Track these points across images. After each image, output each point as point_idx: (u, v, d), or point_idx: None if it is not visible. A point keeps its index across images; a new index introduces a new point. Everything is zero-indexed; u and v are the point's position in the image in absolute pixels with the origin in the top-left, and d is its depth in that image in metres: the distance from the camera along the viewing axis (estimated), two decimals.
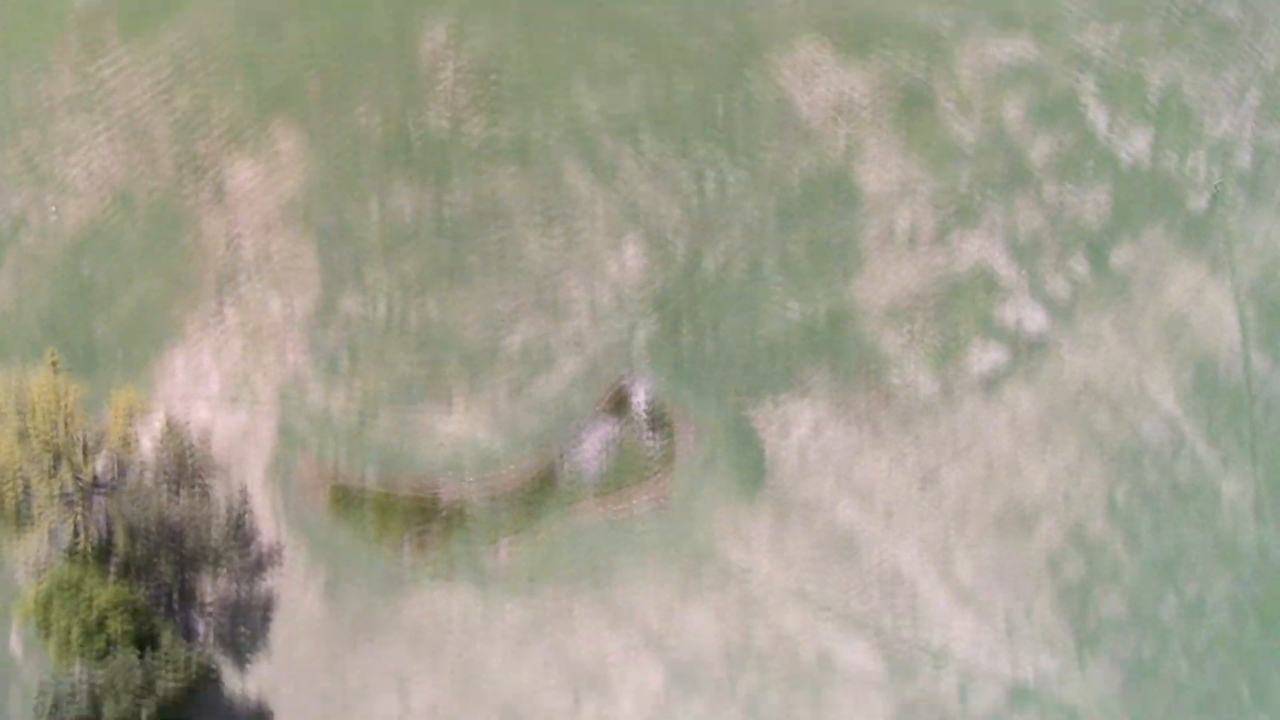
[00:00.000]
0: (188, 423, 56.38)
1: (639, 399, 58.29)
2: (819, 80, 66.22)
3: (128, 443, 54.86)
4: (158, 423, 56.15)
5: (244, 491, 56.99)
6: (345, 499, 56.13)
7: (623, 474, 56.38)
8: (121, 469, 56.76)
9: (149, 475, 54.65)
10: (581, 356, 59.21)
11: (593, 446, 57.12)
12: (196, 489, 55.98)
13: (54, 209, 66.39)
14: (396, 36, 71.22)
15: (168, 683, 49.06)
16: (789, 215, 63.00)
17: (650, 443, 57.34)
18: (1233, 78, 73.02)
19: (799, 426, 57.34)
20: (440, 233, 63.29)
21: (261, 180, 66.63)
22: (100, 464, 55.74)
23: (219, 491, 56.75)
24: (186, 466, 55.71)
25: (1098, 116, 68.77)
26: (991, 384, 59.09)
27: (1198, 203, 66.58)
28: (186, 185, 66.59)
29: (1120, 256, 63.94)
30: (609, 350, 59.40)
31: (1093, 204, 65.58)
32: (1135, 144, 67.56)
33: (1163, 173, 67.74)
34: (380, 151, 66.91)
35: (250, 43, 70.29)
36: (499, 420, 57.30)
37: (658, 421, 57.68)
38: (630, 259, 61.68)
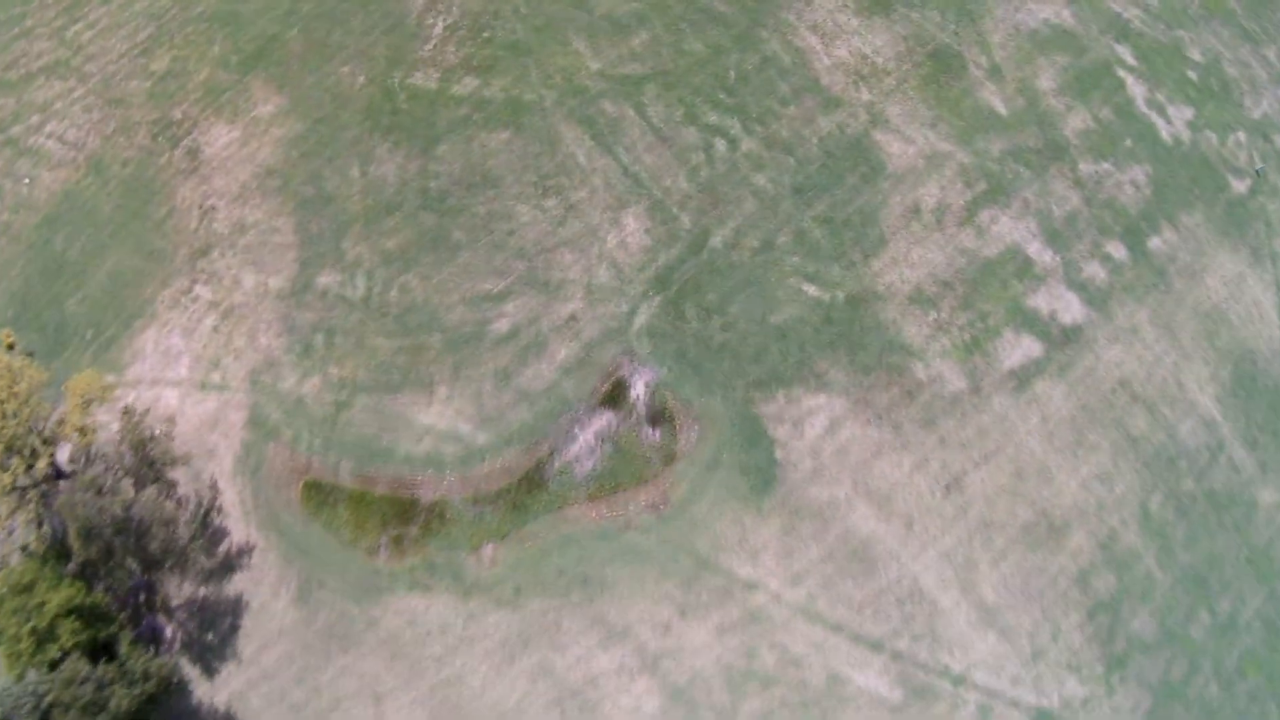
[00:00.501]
0: (148, 410, 49.70)
1: (638, 390, 51.84)
2: (840, 41, 58.86)
3: (85, 432, 48.55)
4: (121, 410, 49.64)
5: (212, 485, 51.08)
6: (319, 496, 50.26)
7: (618, 474, 50.35)
8: (88, 460, 50.40)
9: (107, 467, 48.23)
10: (576, 342, 52.82)
11: (586, 442, 50.95)
12: (160, 483, 49.64)
13: (27, 180, 61.54)
14: None
15: (122, 698, 43.43)
16: (805, 189, 56.03)
17: (649, 439, 51.13)
18: (1274, 56, 67.24)
19: (813, 424, 51.10)
20: (425, 204, 56.71)
21: (238, 146, 60.85)
22: (63, 454, 49.54)
23: (185, 485, 50.57)
24: (149, 458, 49.24)
25: (1136, 90, 63.23)
26: (1023, 379, 52.70)
27: (1238, 187, 60.88)
28: (162, 152, 61.37)
29: (1159, 242, 57.88)
30: (606, 335, 52.99)
31: (1130, 184, 59.37)
32: (1174, 121, 61.90)
33: (1202, 153, 61.66)
34: (364, 114, 60.53)
35: None
36: (484, 411, 51.07)
37: (658, 416, 51.39)
38: (631, 234, 54.75)
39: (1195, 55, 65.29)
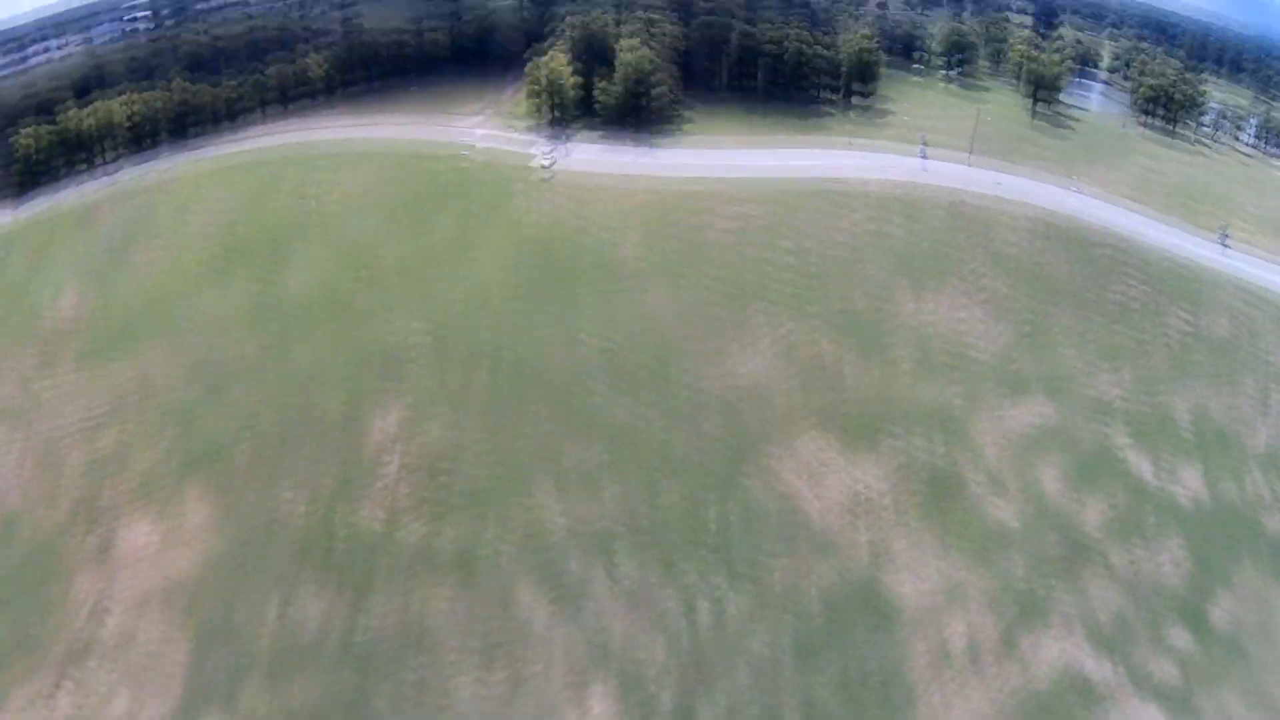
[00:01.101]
0: None
1: None
2: (828, 481, 53.88)
3: None
4: None
5: None
6: None
7: None
8: None
9: None
10: None
11: None
12: None
13: None
14: (345, 417, 62.02)
15: None
16: (810, 646, 46.28)
17: None
18: (1251, 388, 67.12)
19: None
20: (346, 659, 46.52)
21: (154, 550, 54.71)
22: None
23: None
24: None
25: (1140, 464, 60.40)
26: None
27: (1274, 523, 57.71)
28: (75, 533, 55.79)
29: (1220, 612, 51.83)
30: None
31: (1169, 562, 54.28)
32: (1188, 483, 59.45)
33: (1228, 505, 58.46)
34: (296, 546, 52.90)
35: (193, 396, 63.58)
36: None
37: None
38: (597, 713, 42.73)
39: (1183, 411, 63.60)
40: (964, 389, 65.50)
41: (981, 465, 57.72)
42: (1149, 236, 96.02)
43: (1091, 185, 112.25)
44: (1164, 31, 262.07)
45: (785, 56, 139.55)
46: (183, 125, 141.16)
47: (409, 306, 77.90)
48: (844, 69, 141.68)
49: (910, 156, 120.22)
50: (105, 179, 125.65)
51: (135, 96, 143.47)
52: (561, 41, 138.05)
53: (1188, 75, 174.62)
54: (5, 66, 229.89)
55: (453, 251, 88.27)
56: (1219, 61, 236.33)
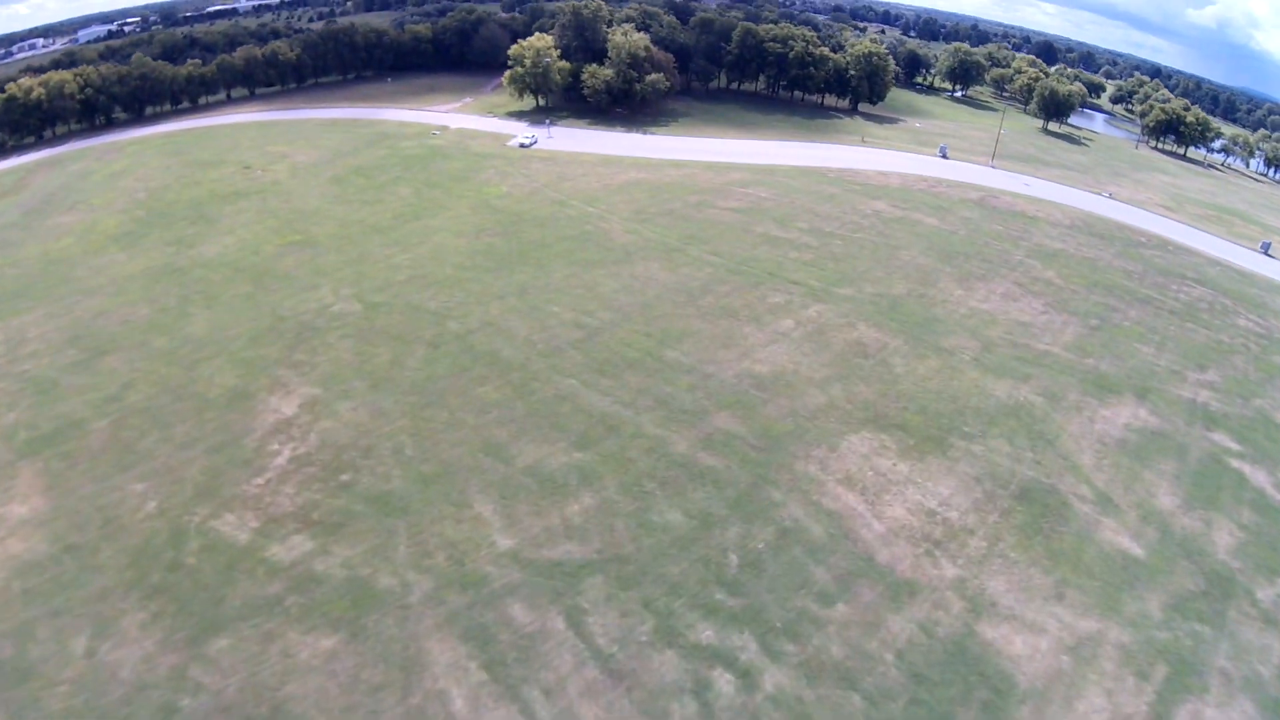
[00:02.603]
0: None
1: None
2: (890, 496, 39.23)
3: None
4: None
5: None
6: None
7: None
8: None
9: None
10: None
11: None
12: None
13: None
14: (233, 394, 47.98)
15: None
16: None
17: None
18: None
19: None
20: None
21: None
22: None
23: None
24: None
25: (1258, 478, 44.39)
26: None
27: None
28: None
29: None
30: None
31: None
32: None
33: None
34: (130, 558, 41.65)
35: (63, 364, 50.06)
36: None
37: None
38: None
39: None
40: (1041, 385, 49.44)
41: (1083, 478, 41.39)
42: (1194, 243, 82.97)
43: (1123, 194, 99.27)
44: (1157, 74, 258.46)
45: (791, 57, 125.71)
46: (139, 103, 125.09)
47: (341, 273, 61.35)
48: (852, 73, 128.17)
49: (929, 157, 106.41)
50: (48, 151, 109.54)
51: (89, 69, 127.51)
52: (552, 28, 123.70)
53: (1195, 107, 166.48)
54: None
55: (404, 220, 71.87)
56: (1214, 103, 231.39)
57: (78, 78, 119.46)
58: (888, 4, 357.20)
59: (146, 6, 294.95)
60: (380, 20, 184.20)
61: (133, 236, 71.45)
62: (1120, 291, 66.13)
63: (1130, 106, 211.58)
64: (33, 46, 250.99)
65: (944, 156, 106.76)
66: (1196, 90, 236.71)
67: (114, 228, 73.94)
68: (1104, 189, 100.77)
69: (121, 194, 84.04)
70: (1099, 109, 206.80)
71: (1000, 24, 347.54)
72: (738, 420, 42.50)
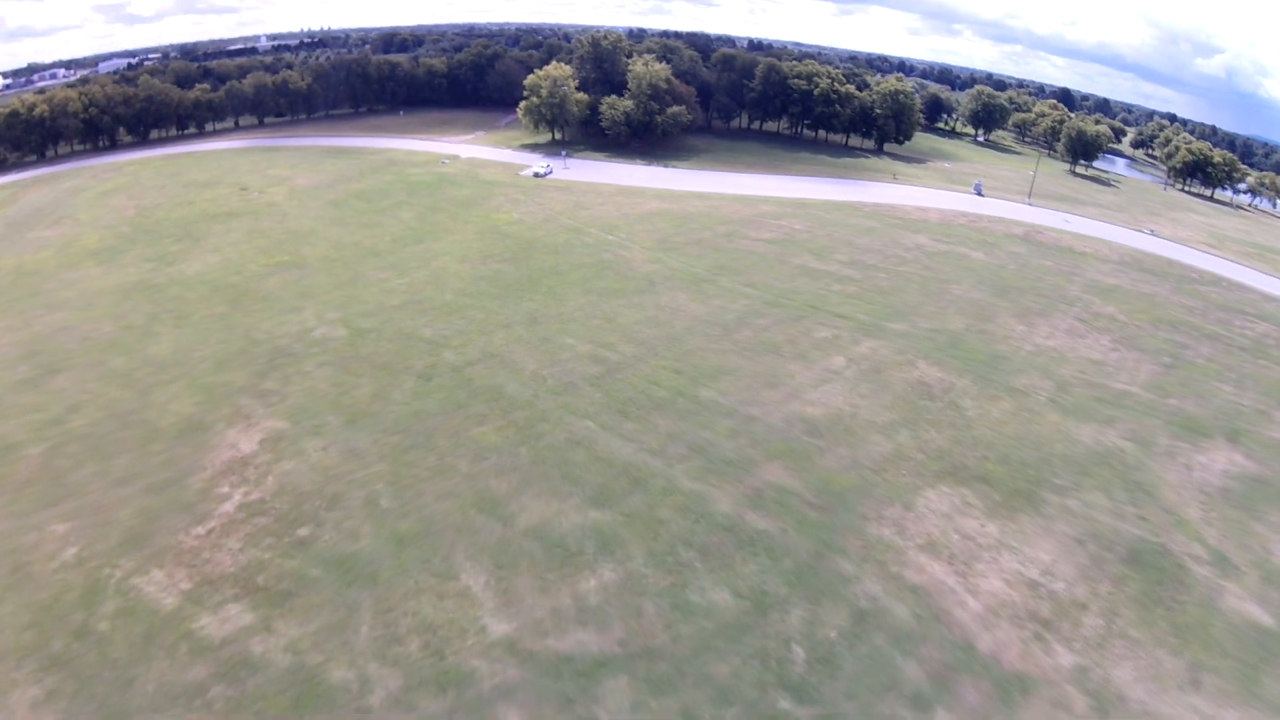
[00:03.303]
0: None
1: None
2: (981, 560, 30.11)
3: None
4: None
5: None
6: None
7: None
8: None
9: None
10: None
11: None
12: None
13: None
14: (188, 425, 40.75)
15: None
16: None
17: None
18: None
19: None
20: None
21: None
22: None
23: None
24: None
25: None
26: None
27: None
28: None
29: None
30: None
31: None
32: None
33: None
34: (30, 618, 32.85)
35: (11, 381, 43.60)
36: None
37: None
38: None
39: None
40: (1128, 429, 41.96)
41: (1192, 533, 33.66)
42: (1245, 279, 76.18)
43: (1164, 231, 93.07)
44: (1173, 120, 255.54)
45: (816, 94, 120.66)
46: (144, 125, 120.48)
47: (328, 296, 54.55)
48: (878, 112, 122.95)
49: (964, 194, 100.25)
50: (48, 169, 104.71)
51: (94, 88, 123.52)
52: (570, 62, 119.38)
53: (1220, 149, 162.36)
54: (9, 89, 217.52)
55: (403, 243, 65.36)
56: (1231, 148, 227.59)
57: (82, 96, 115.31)
58: (902, 56, 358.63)
59: (169, 45, 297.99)
60: (396, 56, 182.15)
61: (112, 252, 65.21)
62: (1186, 328, 59.14)
63: (1151, 151, 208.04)
64: (54, 76, 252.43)
65: (979, 194, 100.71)
66: (1212, 136, 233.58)
67: (95, 243, 67.82)
68: (1144, 226, 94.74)
69: (110, 210, 78.32)
70: (1119, 154, 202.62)
71: (1013, 77, 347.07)
72: (791, 472, 34.76)
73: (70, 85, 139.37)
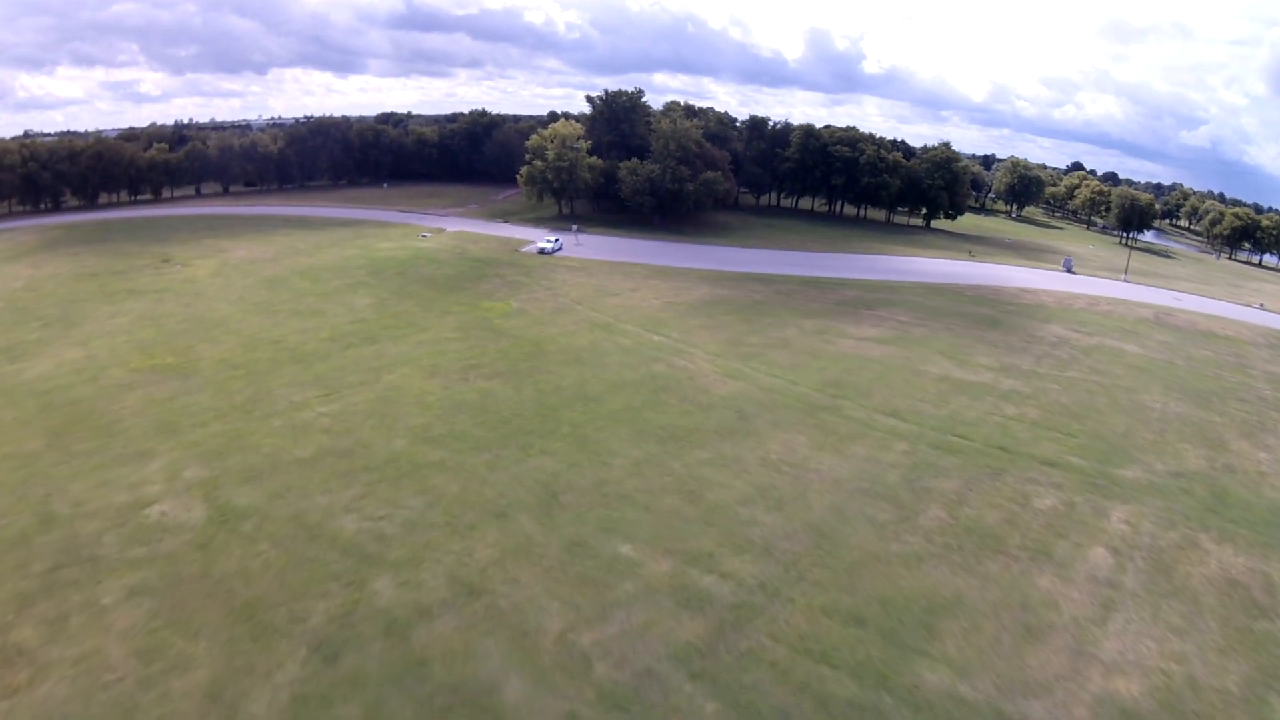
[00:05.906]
0: None
1: None
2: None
3: None
4: None
5: None
6: None
7: None
8: None
9: None
10: None
11: None
12: None
13: None
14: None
15: None
16: None
17: None
18: None
19: None
20: None
21: None
22: None
23: None
24: None
25: None
26: None
27: None
28: None
29: None
30: None
31: None
32: None
33: None
34: None
35: None
36: None
37: None
38: None
39: None
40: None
41: None
42: None
43: (1271, 305, 75.54)
44: (1170, 189, 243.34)
45: (861, 162, 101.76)
46: (92, 187, 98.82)
47: (203, 431, 31.69)
48: (927, 183, 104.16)
49: (1053, 271, 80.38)
50: None
51: (36, 141, 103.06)
52: (578, 119, 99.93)
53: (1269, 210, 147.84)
54: None
55: (347, 343, 42.88)
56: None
57: (22, 148, 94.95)
58: (894, 139, 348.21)
59: (160, 125, 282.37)
60: (382, 125, 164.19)
61: None
62: None
63: (1176, 220, 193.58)
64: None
65: (1069, 271, 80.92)
66: (1222, 202, 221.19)
67: None
68: (1246, 300, 76.01)
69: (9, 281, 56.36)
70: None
71: (1003, 159, 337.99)
72: None
73: (14, 138, 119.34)
